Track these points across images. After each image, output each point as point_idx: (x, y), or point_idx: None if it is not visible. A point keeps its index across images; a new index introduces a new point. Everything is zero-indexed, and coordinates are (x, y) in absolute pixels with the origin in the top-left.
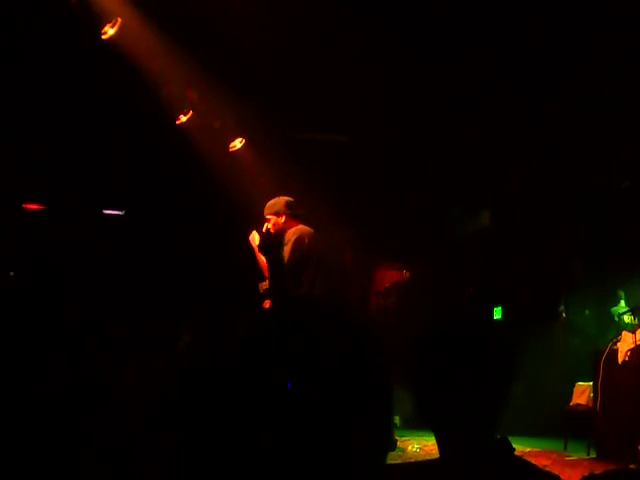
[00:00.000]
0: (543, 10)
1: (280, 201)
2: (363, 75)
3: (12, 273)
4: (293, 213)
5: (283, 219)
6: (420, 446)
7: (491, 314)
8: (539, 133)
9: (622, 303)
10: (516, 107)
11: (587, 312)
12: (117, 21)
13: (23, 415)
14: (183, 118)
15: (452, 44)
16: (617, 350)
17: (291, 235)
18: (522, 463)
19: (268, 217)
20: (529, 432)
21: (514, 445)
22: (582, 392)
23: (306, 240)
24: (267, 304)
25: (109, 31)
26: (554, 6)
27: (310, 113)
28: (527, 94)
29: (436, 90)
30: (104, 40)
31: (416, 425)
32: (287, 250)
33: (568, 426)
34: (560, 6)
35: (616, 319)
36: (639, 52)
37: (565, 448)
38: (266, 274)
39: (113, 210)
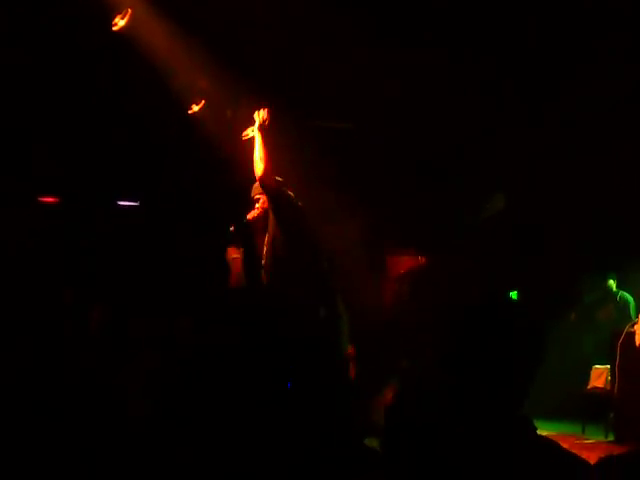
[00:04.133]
0: (543, 10)
1: None
2: (368, 68)
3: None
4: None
5: None
6: None
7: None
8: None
9: (611, 283)
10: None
11: (601, 294)
12: (127, 12)
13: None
14: (195, 107)
15: (452, 44)
16: (634, 333)
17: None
18: (545, 442)
19: (257, 197)
20: (546, 415)
21: None
22: (599, 375)
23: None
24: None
25: (119, 22)
26: (554, 6)
27: (320, 101)
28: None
29: (441, 79)
30: (114, 31)
31: None
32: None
33: (586, 409)
34: (560, 6)
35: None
36: (639, 52)
37: (583, 431)
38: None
39: (128, 201)
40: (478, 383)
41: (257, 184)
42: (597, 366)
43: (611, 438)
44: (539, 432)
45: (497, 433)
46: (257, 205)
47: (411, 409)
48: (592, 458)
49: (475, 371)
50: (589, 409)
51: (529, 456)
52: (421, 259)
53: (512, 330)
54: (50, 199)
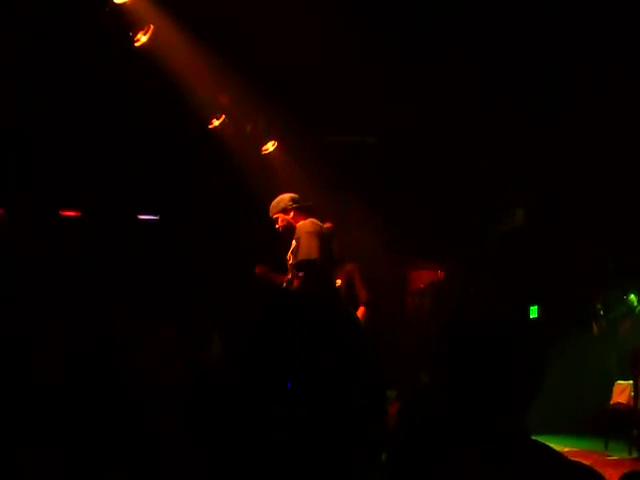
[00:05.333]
0: (543, 10)
1: (284, 197)
2: (380, 76)
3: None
4: (300, 206)
5: (291, 215)
6: None
7: (524, 312)
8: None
9: (633, 298)
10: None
11: (624, 309)
12: (149, 28)
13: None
14: (216, 122)
15: (453, 44)
16: None
17: (301, 229)
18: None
19: (276, 216)
20: (569, 432)
21: (554, 445)
22: (622, 391)
23: (317, 233)
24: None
25: (142, 38)
26: (554, 6)
27: (339, 115)
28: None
29: (458, 88)
30: (137, 47)
31: None
32: (299, 244)
33: (608, 425)
34: (560, 6)
35: None
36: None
37: (606, 448)
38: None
39: (148, 215)
40: (475, 390)
41: (274, 203)
42: (620, 382)
43: (635, 455)
44: (561, 448)
45: (494, 441)
46: (277, 225)
47: (417, 416)
48: (616, 475)
49: (473, 378)
50: (612, 425)
51: (527, 466)
52: (440, 273)
53: (509, 338)
54: (72, 213)
